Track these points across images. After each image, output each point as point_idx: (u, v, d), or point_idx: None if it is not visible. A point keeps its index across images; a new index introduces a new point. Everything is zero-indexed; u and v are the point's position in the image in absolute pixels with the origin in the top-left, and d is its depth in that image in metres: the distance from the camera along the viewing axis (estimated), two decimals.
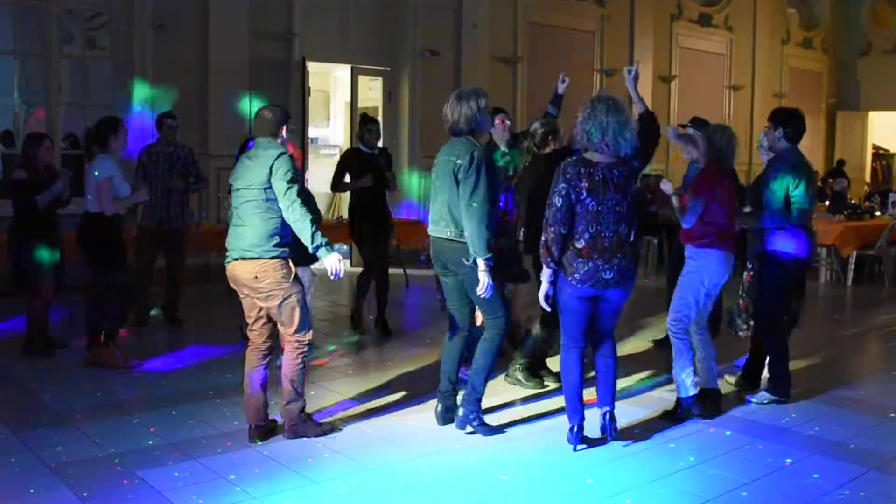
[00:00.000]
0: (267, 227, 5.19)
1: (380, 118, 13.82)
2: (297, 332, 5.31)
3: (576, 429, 5.21)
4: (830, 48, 22.40)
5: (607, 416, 5.29)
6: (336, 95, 15.70)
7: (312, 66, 12.75)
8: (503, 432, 5.55)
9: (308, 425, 5.47)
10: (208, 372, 6.94)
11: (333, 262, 5.10)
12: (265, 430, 5.40)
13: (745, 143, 19.43)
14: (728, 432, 5.67)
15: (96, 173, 6.87)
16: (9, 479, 4.69)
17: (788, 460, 5.17)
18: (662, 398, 6.31)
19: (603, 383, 5.35)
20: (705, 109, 16.14)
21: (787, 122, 6.28)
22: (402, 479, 4.79)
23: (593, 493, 4.65)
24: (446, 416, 5.66)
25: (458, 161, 5.28)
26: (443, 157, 5.48)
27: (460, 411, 5.53)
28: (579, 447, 5.21)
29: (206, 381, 6.68)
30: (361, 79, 13.57)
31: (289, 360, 5.36)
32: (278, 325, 5.35)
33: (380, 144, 8.82)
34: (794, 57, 21.37)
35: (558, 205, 4.98)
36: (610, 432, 5.30)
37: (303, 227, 5.08)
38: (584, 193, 4.94)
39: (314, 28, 12.64)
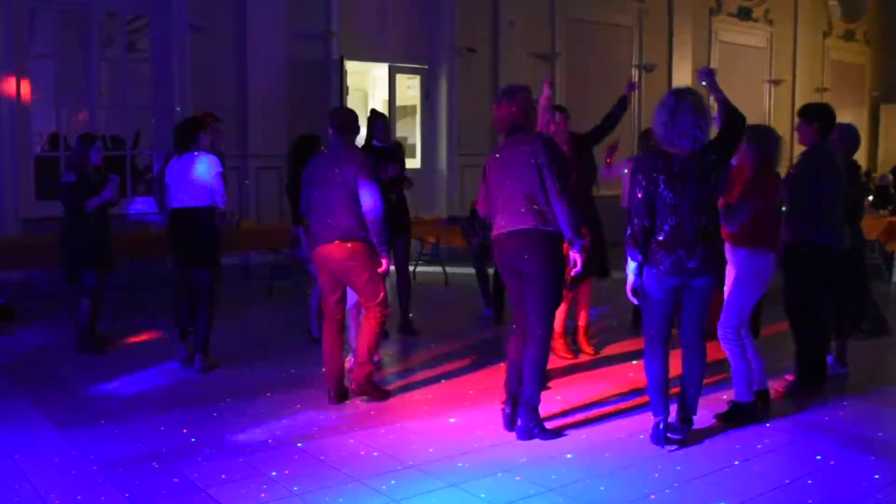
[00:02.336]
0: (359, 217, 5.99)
1: (417, 116, 13.87)
2: (379, 302, 6.08)
3: (661, 425, 5.17)
4: (873, 40, 22.09)
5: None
6: (374, 94, 15.73)
7: (350, 66, 12.78)
8: (564, 435, 5.49)
9: (372, 387, 6.21)
10: (249, 369, 6.99)
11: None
12: (343, 392, 6.18)
13: (787, 138, 19.21)
14: (770, 430, 5.60)
15: (210, 170, 6.86)
16: (53, 477, 4.75)
17: (832, 459, 5.10)
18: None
19: (683, 391, 5.31)
20: (745, 104, 15.97)
21: (820, 117, 6.27)
22: (442, 478, 4.79)
23: (632, 491, 4.61)
24: (513, 419, 5.56)
25: (538, 153, 5.29)
26: (515, 152, 5.38)
27: (519, 421, 5.42)
28: (667, 445, 5.17)
29: (246, 378, 6.73)
30: (399, 77, 13.60)
31: (370, 327, 6.12)
32: (361, 298, 6.15)
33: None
34: (836, 49, 21.08)
35: (639, 197, 5.00)
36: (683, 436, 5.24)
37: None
38: (662, 186, 4.95)
39: (352, 27, 12.69)
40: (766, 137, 5.88)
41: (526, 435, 5.38)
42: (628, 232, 5.10)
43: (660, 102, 5.08)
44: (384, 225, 6.03)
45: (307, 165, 6.35)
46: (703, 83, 5.62)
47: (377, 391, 6.24)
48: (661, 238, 5.01)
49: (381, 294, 6.11)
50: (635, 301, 5.23)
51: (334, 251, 6.01)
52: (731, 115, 5.28)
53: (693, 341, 5.28)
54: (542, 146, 5.33)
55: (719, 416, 5.73)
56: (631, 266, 5.13)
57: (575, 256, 5.43)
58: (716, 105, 5.49)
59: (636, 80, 16.24)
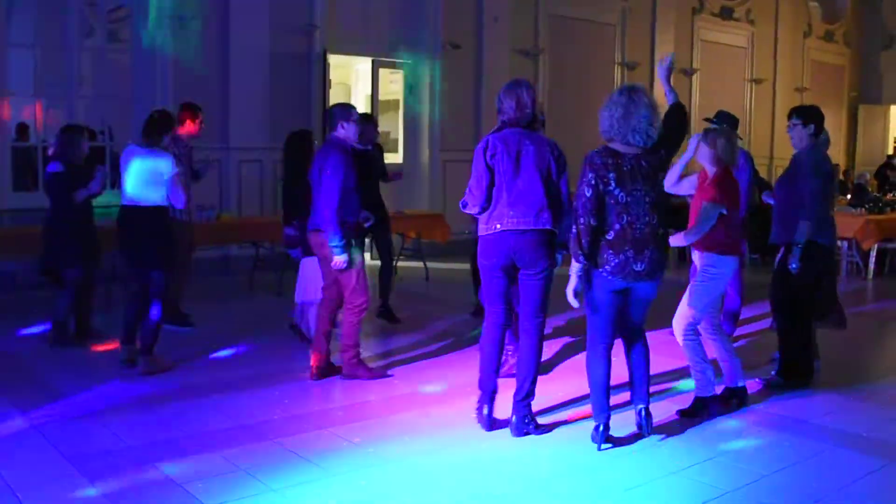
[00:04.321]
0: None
1: (400, 111, 13.84)
2: (356, 296, 6.42)
3: (601, 427, 5.11)
4: (853, 41, 22.23)
5: (643, 413, 5.26)
6: (357, 88, 15.68)
7: (333, 59, 12.75)
8: (551, 430, 5.47)
9: (361, 368, 6.57)
10: (227, 365, 6.96)
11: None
12: (325, 371, 6.57)
13: (767, 136, 19.38)
14: (747, 425, 5.65)
15: (166, 170, 6.64)
16: (28, 472, 4.70)
17: (810, 452, 5.15)
18: (683, 392, 6.29)
19: (637, 381, 5.30)
20: (727, 103, 15.99)
21: (815, 118, 6.40)
22: (422, 473, 4.79)
23: (611, 486, 4.63)
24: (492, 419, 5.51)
25: (554, 154, 5.31)
26: (529, 146, 5.25)
27: (514, 418, 5.37)
28: (604, 446, 5.12)
29: (225, 373, 6.71)
30: (382, 71, 13.55)
31: (348, 319, 6.47)
32: (343, 290, 6.46)
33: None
34: (815, 50, 21.21)
35: (588, 195, 4.86)
36: (646, 428, 5.25)
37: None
38: (613, 184, 4.85)
39: (335, 20, 12.65)
40: (718, 138, 5.85)
41: (521, 431, 5.34)
42: (573, 231, 4.96)
43: (609, 99, 4.99)
44: (336, 226, 6.21)
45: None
46: (660, 73, 5.64)
47: (367, 371, 6.60)
48: (610, 237, 4.90)
49: (353, 282, 6.41)
50: (575, 304, 5.07)
51: (313, 240, 6.55)
52: (676, 111, 5.37)
53: (636, 340, 5.30)
54: (558, 148, 5.35)
55: (681, 412, 5.80)
56: (574, 267, 5.00)
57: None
58: (665, 98, 5.56)
59: (619, 77, 16.36)
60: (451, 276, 9.54)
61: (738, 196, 5.87)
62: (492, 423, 5.41)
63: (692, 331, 5.76)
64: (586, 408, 5.47)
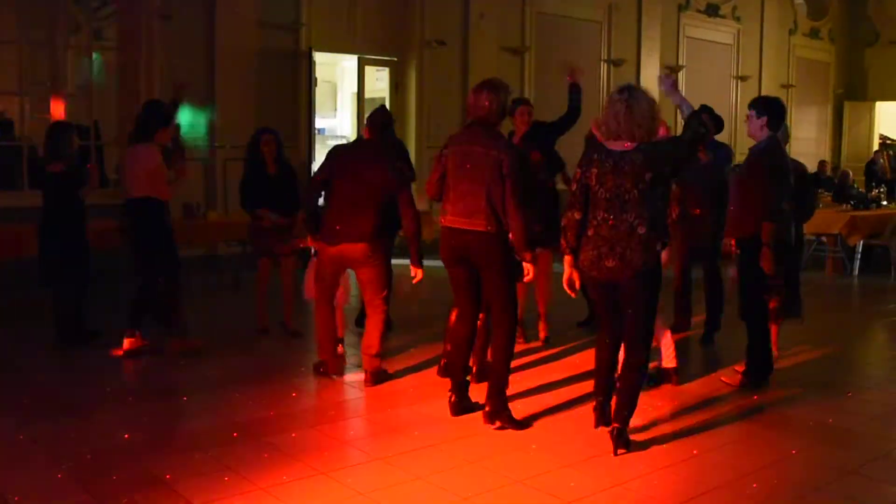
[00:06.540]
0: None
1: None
2: (385, 296, 6.37)
3: (596, 407, 5.27)
4: (838, 38, 22.32)
5: (614, 433, 5.00)
6: (343, 86, 15.68)
7: (319, 57, 12.73)
8: (530, 425, 5.50)
9: (385, 376, 6.46)
10: (215, 363, 6.95)
11: None
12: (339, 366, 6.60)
13: None
14: (729, 422, 5.68)
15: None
16: (14, 473, 4.69)
17: (794, 449, 5.18)
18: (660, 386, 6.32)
19: (618, 394, 5.07)
20: (713, 100, 15.93)
21: (771, 110, 6.35)
22: (408, 470, 4.79)
23: (597, 481, 4.64)
24: (460, 406, 5.64)
25: (502, 156, 5.29)
26: (477, 147, 5.36)
27: (487, 406, 5.44)
28: (600, 427, 5.22)
29: (211, 371, 6.69)
30: (368, 69, 13.56)
31: (380, 320, 6.37)
32: (367, 291, 6.38)
33: None
34: (801, 47, 21.30)
35: (573, 188, 5.04)
36: (616, 448, 4.98)
37: None
38: (594, 180, 4.93)
39: (321, 18, 12.63)
40: None
41: (492, 419, 5.39)
42: (563, 224, 5.09)
43: (611, 98, 5.01)
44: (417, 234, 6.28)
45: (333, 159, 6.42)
46: (666, 87, 5.62)
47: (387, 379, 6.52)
48: (589, 232, 4.97)
49: (386, 290, 6.42)
50: (573, 294, 5.21)
51: (356, 250, 6.21)
52: (692, 119, 5.12)
53: (627, 351, 5.10)
54: (506, 152, 5.33)
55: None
56: (566, 259, 5.12)
57: (526, 267, 5.46)
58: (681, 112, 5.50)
59: (605, 74, 16.39)
60: (437, 273, 9.49)
61: None
62: (458, 410, 5.57)
63: None
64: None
